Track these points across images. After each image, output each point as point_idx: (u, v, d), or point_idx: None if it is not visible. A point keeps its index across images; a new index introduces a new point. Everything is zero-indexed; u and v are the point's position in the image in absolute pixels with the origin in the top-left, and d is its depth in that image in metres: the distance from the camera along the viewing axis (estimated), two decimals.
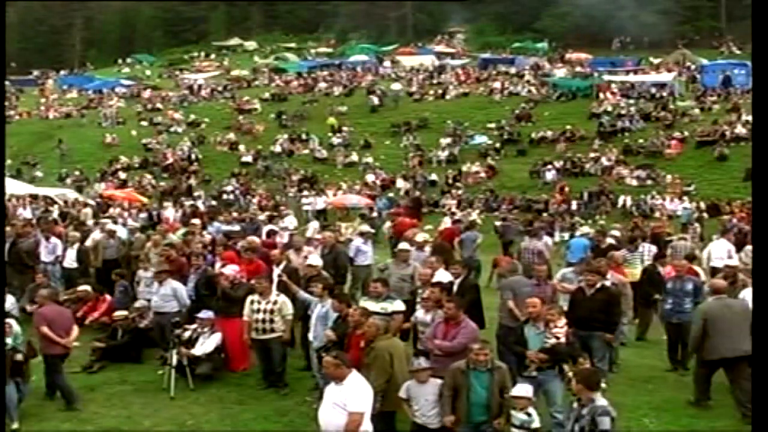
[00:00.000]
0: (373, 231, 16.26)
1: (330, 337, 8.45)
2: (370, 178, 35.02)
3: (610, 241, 15.00)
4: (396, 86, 47.58)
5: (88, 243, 14.52)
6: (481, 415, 7.17)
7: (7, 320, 9.17)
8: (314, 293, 9.53)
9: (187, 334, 10.38)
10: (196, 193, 33.36)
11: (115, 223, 17.54)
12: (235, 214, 20.19)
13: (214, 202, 30.61)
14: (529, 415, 7.05)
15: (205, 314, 10.41)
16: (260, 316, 9.58)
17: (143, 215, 25.24)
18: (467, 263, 15.53)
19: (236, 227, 16.61)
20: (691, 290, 10.40)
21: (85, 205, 26.09)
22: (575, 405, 6.57)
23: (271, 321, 9.55)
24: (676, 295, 10.44)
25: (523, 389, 7.15)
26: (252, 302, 9.68)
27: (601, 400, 6.42)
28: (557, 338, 7.79)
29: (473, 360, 7.21)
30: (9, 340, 8.93)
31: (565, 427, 7.76)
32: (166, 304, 10.80)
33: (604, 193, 30.03)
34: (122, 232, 15.64)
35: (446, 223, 22.61)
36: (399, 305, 9.17)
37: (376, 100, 44.15)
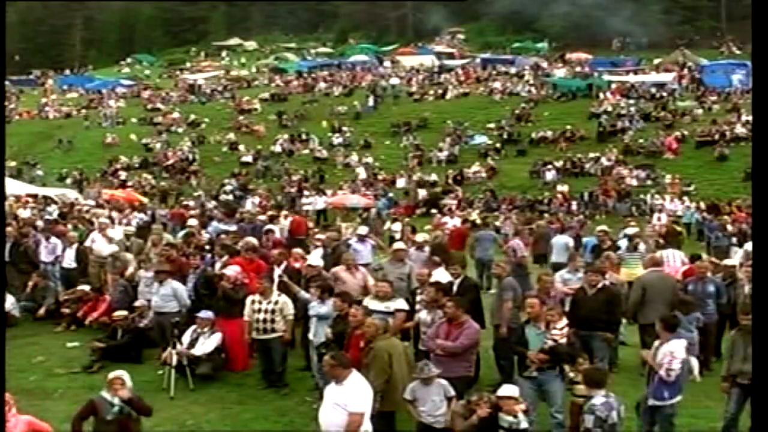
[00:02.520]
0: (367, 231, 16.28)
1: (328, 335, 8.47)
2: (361, 173, 35.24)
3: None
4: (395, 80, 47.98)
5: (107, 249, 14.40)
6: None
7: (119, 374, 7.38)
8: (313, 294, 9.55)
9: (187, 334, 10.37)
10: (196, 193, 33.34)
11: (114, 224, 17.48)
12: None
13: (213, 203, 30.58)
14: (515, 416, 6.96)
15: (205, 314, 10.41)
16: (261, 316, 9.58)
17: (141, 216, 25.03)
18: (483, 263, 15.59)
19: (234, 227, 16.61)
20: (713, 292, 10.34)
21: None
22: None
23: (272, 321, 9.55)
24: (698, 298, 10.31)
25: (509, 389, 7.02)
26: (253, 302, 9.69)
27: (597, 398, 6.40)
28: (554, 340, 7.79)
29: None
30: (116, 401, 7.14)
31: (565, 426, 7.81)
32: (167, 304, 10.80)
33: (633, 201, 29.60)
34: (118, 233, 15.57)
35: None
36: (401, 303, 9.18)
37: (362, 104, 43.97)
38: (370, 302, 8.98)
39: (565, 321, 8.10)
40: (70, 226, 16.54)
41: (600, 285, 9.44)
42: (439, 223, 20.04)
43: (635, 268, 13.43)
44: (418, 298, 9.46)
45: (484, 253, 15.70)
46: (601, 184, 31.02)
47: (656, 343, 7.69)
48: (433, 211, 27.97)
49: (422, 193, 32.33)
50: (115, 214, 20.54)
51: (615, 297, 9.57)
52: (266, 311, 9.57)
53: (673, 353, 7.35)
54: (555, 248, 14.91)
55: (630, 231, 16.45)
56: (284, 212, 24.02)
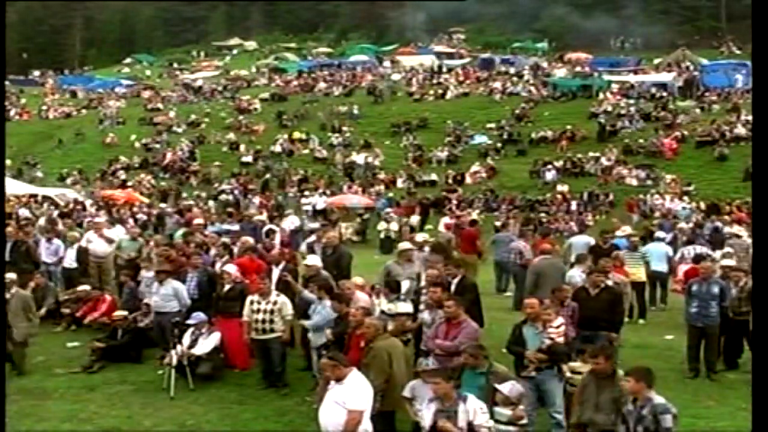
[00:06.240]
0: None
1: (328, 336, 8.46)
2: (359, 159, 35.82)
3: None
4: (396, 76, 48.83)
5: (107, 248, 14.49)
6: None
7: None
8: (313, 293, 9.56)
9: (187, 336, 10.36)
10: (195, 193, 33.38)
11: (113, 224, 17.48)
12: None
13: (211, 203, 30.64)
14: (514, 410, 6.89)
15: (196, 318, 10.39)
16: (260, 316, 9.57)
17: (141, 216, 25.06)
18: (501, 265, 15.60)
19: (234, 227, 16.63)
20: (717, 293, 10.26)
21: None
22: (630, 406, 6.30)
23: (271, 321, 9.55)
24: (701, 299, 10.27)
25: (514, 389, 6.89)
26: (252, 302, 9.68)
27: (658, 398, 6.24)
28: (551, 339, 7.79)
29: (466, 360, 7.14)
30: None
31: (563, 426, 7.72)
32: (167, 304, 10.76)
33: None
34: (119, 233, 15.60)
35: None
36: (404, 307, 9.17)
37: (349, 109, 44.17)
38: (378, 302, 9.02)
39: (561, 320, 8.10)
40: (60, 226, 16.57)
41: (603, 285, 9.45)
42: (450, 225, 19.96)
43: (636, 269, 13.48)
44: (422, 298, 9.47)
45: (503, 255, 15.68)
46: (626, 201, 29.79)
47: (433, 405, 6.57)
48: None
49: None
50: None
51: (618, 297, 9.58)
52: (265, 311, 9.56)
53: (481, 408, 6.56)
54: (575, 248, 14.89)
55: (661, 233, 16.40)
56: (288, 211, 24.11)
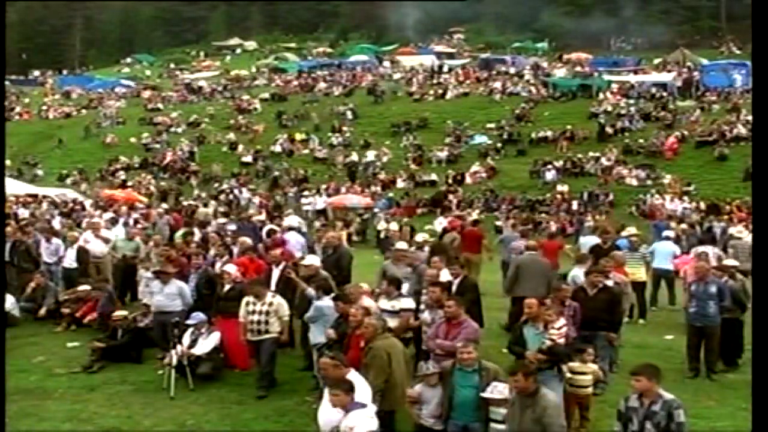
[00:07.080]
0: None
1: (330, 335, 8.46)
2: (370, 156, 36.04)
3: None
4: (396, 76, 49.30)
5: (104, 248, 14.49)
6: (467, 415, 6.97)
7: None
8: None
9: (187, 336, 10.36)
10: (195, 193, 33.38)
11: (113, 224, 17.45)
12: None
13: (213, 202, 30.60)
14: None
15: (196, 318, 10.38)
16: (255, 317, 9.54)
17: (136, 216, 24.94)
18: (508, 265, 15.58)
19: (233, 226, 16.66)
20: (715, 293, 10.27)
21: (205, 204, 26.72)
22: (634, 403, 6.32)
23: (266, 323, 9.51)
24: (700, 299, 10.29)
25: (495, 391, 6.87)
26: (247, 303, 9.64)
27: (667, 394, 6.26)
28: (552, 340, 7.78)
29: (459, 359, 7.13)
30: None
31: (564, 427, 7.68)
32: (171, 303, 10.73)
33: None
34: (119, 233, 15.59)
35: (441, 223, 22.65)
36: (407, 302, 9.20)
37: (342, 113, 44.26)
38: (379, 301, 9.00)
39: (563, 321, 8.08)
40: (58, 225, 16.58)
41: (601, 285, 9.44)
42: (453, 224, 19.93)
43: (636, 269, 13.47)
44: (423, 297, 9.47)
45: (510, 254, 15.67)
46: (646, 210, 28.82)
47: (339, 412, 6.22)
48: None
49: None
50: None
51: (616, 297, 9.58)
52: (260, 312, 9.53)
53: (351, 428, 6.01)
54: (584, 248, 14.89)
55: (669, 233, 16.41)
56: (288, 211, 24.13)
